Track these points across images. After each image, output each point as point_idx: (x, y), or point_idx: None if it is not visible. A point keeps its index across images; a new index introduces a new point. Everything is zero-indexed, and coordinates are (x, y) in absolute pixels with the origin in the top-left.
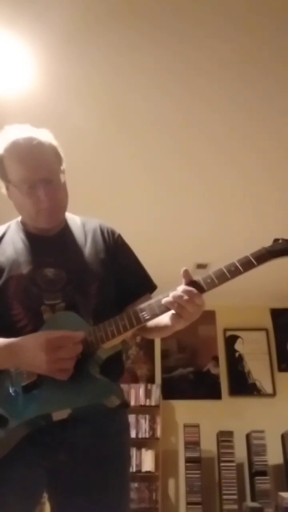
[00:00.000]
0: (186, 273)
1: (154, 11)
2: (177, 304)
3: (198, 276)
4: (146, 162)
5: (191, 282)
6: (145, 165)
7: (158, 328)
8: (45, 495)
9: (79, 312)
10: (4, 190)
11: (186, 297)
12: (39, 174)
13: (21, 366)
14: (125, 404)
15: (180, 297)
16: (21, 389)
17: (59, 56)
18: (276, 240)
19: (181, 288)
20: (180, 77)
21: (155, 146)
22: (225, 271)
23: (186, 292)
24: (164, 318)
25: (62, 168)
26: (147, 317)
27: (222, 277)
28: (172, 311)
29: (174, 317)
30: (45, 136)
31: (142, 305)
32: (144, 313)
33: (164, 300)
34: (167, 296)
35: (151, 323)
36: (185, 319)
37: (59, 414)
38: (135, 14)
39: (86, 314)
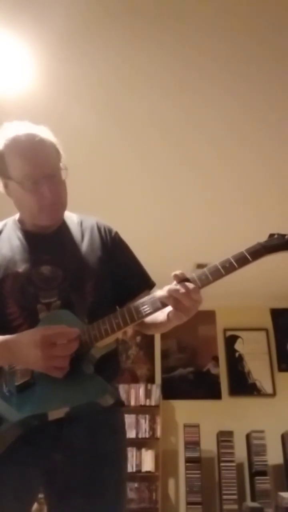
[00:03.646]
0: (177, 276)
1: (154, 11)
2: (173, 298)
3: (193, 274)
4: (145, 162)
5: (185, 280)
6: (145, 165)
7: (156, 325)
8: (42, 495)
9: (74, 310)
10: (1, 188)
11: (182, 290)
12: (42, 170)
13: (17, 363)
14: (120, 403)
15: (175, 290)
16: (15, 388)
17: (59, 56)
18: (271, 235)
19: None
20: (179, 77)
21: (154, 146)
22: (219, 267)
23: (182, 285)
24: (161, 314)
25: (61, 165)
26: (141, 315)
27: (217, 273)
28: (169, 307)
29: (171, 312)
30: (45, 132)
31: (136, 303)
32: (138, 310)
33: (159, 295)
34: (163, 292)
35: (148, 319)
36: (183, 313)
37: (55, 413)
38: (135, 14)
39: (81, 313)
